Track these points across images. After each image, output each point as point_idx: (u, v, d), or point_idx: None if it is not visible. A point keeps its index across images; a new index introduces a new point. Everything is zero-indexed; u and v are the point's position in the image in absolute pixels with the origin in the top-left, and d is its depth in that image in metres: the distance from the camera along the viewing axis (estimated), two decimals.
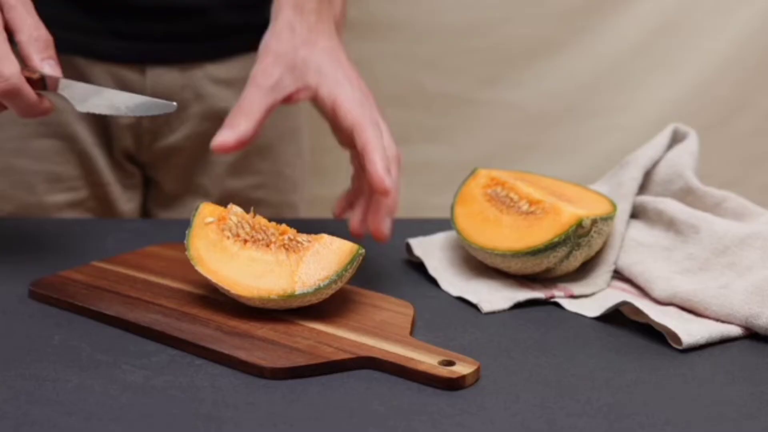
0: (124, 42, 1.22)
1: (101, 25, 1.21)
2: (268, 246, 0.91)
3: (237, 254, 0.91)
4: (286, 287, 0.88)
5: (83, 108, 0.95)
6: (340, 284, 0.90)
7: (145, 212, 1.34)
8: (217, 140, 0.97)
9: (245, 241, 0.92)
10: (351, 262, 0.89)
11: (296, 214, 1.35)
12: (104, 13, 1.21)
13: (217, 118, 1.27)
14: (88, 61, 1.22)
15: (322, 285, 0.88)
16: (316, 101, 0.99)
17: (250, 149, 1.31)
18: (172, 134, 1.28)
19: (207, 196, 1.31)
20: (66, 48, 1.18)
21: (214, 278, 0.90)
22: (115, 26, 1.21)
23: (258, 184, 1.32)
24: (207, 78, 1.26)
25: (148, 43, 1.23)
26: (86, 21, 1.21)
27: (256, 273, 0.89)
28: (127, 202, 1.30)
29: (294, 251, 0.90)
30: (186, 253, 0.92)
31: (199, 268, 0.91)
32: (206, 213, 0.94)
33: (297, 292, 0.88)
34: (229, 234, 0.92)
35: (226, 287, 0.89)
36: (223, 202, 0.97)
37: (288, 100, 0.99)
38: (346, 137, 0.97)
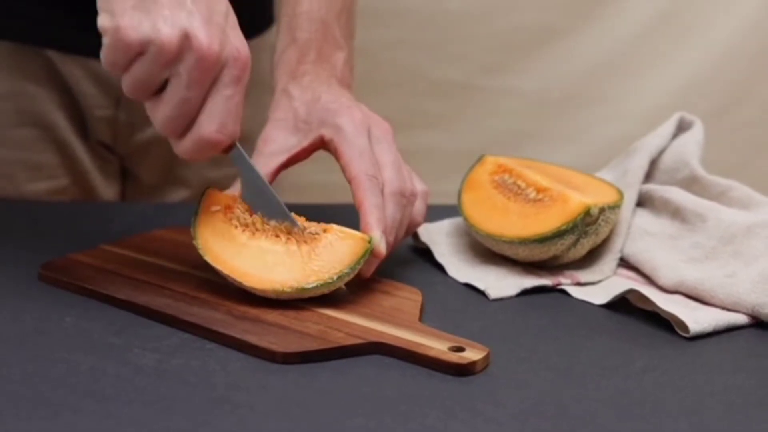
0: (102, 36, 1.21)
1: (77, 19, 1.20)
2: (277, 236, 0.91)
3: (246, 244, 0.91)
4: (300, 280, 0.88)
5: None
6: (352, 275, 0.90)
7: (123, 201, 1.33)
8: None
9: (254, 231, 0.92)
10: (364, 254, 0.90)
11: None
12: (81, 9, 1.20)
13: None
14: (61, 55, 1.21)
15: (336, 278, 0.88)
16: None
17: None
18: (150, 127, 1.27)
19: (187, 187, 1.31)
20: (38, 41, 1.17)
21: (224, 269, 0.90)
22: (92, 21, 1.21)
23: (238, 174, 1.33)
24: None
25: None
26: (62, 15, 1.19)
27: (267, 264, 0.89)
28: (107, 188, 1.29)
29: (305, 242, 0.90)
30: (193, 242, 0.92)
31: (208, 259, 0.90)
32: (212, 201, 0.93)
33: (311, 286, 0.88)
34: (236, 223, 0.92)
35: (238, 279, 0.89)
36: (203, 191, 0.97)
37: (301, 155, 1.00)
38: None
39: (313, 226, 0.92)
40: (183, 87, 0.83)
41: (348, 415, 0.75)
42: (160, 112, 0.85)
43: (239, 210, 0.92)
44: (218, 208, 0.92)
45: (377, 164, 0.95)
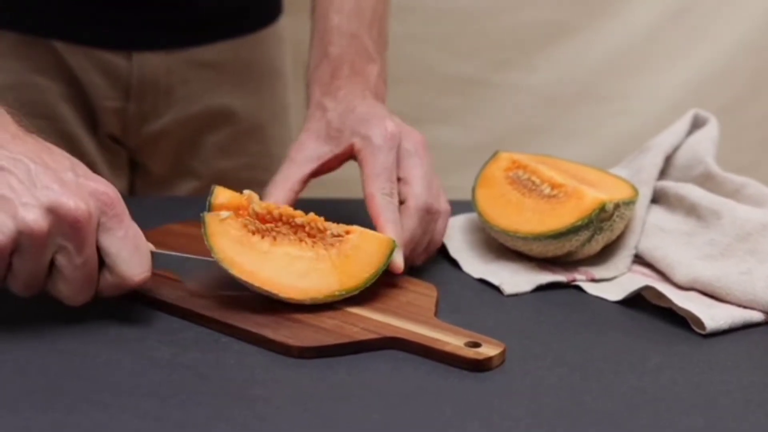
0: (111, 28, 1.22)
1: (84, 9, 1.20)
2: (301, 240, 0.90)
3: (270, 251, 0.88)
4: (337, 286, 0.87)
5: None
6: (379, 275, 0.90)
7: (132, 193, 1.33)
8: None
9: (274, 236, 0.90)
10: (390, 255, 0.90)
11: None
12: (90, 1, 1.21)
13: (202, 101, 1.28)
14: (68, 45, 1.21)
15: (369, 281, 0.88)
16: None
17: (241, 130, 1.32)
18: (160, 119, 1.27)
19: (197, 178, 1.31)
20: (45, 32, 1.18)
21: (255, 282, 0.86)
22: (100, 13, 1.21)
23: (248, 164, 1.32)
24: (192, 62, 1.27)
25: (134, 29, 1.23)
26: (68, 6, 1.20)
27: (298, 271, 0.87)
28: (115, 181, 1.29)
29: (331, 245, 0.90)
30: (212, 256, 0.87)
31: (234, 272, 0.86)
32: (221, 200, 0.90)
33: (347, 291, 0.87)
34: (252, 228, 0.89)
35: (274, 291, 0.86)
36: (212, 182, 0.96)
37: (333, 163, 1.01)
38: None
39: (334, 227, 0.91)
40: (74, 255, 0.80)
41: (363, 410, 0.75)
42: (67, 289, 0.82)
43: (251, 212, 0.91)
44: (228, 214, 0.89)
45: (403, 180, 0.96)
